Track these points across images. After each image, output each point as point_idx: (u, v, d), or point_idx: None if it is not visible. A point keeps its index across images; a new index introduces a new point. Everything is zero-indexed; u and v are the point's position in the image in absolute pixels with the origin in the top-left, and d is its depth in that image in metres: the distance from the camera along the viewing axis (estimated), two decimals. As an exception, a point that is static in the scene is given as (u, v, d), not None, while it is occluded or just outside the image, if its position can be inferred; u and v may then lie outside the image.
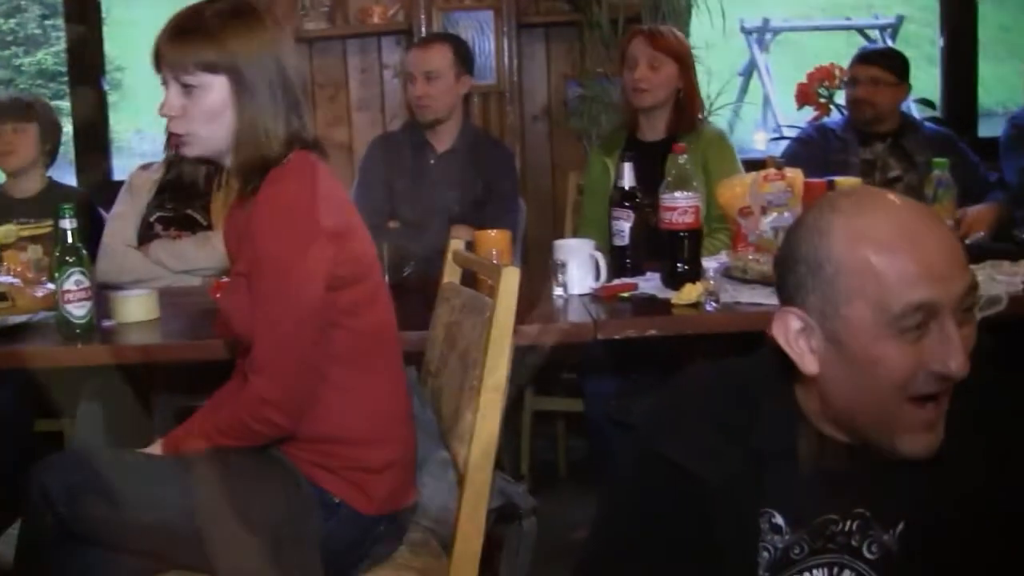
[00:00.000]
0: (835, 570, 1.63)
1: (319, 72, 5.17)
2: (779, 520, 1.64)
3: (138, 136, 8.15)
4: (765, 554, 1.65)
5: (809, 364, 1.56)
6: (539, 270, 3.66)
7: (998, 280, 3.06)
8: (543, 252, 3.63)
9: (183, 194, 4.07)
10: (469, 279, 2.85)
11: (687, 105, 4.01)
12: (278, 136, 2.34)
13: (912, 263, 1.46)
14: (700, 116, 4.09)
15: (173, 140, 2.40)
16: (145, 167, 4.29)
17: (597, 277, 3.20)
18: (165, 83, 2.37)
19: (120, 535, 2.30)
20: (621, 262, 3.34)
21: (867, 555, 1.62)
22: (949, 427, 1.54)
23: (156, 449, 2.47)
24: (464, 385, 2.41)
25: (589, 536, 1.87)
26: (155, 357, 3.00)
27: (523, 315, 2.85)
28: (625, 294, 3.13)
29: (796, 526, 1.64)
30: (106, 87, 5.40)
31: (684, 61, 4.01)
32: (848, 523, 1.62)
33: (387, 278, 3.00)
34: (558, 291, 3.22)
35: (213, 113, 2.33)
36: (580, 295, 3.20)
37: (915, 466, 1.56)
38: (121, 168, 5.27)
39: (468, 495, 2.33)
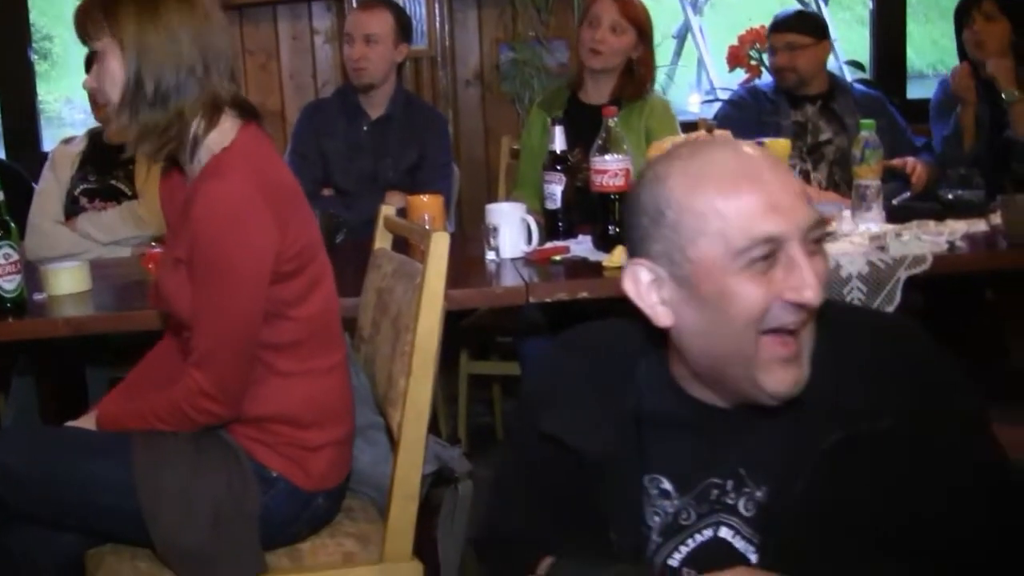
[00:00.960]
0: (713, 529, 1.62)
1: (249, 39, 5.13)
2: (667, 485, 1.65)
3: (69, 106, 8.04)
4: (656, 518, 1.65)
5: (662, 316, 1.55)
6: (473, 234, 3.67)
7: (923, 240, 3.10)
8: (477, 216, 3.64)
9: (106, 165, 4.04)
10: (404, 245, 2.85)
11: (640, 74, 4.03)
12: (177, 103, 2.26)
13: (753, 197, 1.46)
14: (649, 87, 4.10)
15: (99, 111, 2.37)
16: (67, 141, 4.26)
17: (529, 241, 3.21)
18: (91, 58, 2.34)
19: (59, 513, 2.29)
20: (553, 225, 3.35)
21: (743, 512, 1.61)
22: (818, 381, 1.54)
23: (90, 422, 2.46)
24: (396, 350, 2.42)
25: (487, 505, 1.90)
26: (87, 329, 2.97)
27: (455, 279, 2.86)
28: (557, 257, 3.14)
29: (683, 491, 1.64)
30: (33, 57, 5.32)
31: (645, 32, 4.03)
32: (728, 483, 1.61)
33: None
34: (490, 255, 3.23)
35: (112, 76, 2.27)
36: (512, 259, 3.21)
37: (786, 422, 1.55)
38: (52, 138, 5.20)
39: (402, 460, 2.34)
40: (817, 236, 1.50)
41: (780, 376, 1.51)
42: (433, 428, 2.40)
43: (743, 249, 1.45)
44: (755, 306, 1.47)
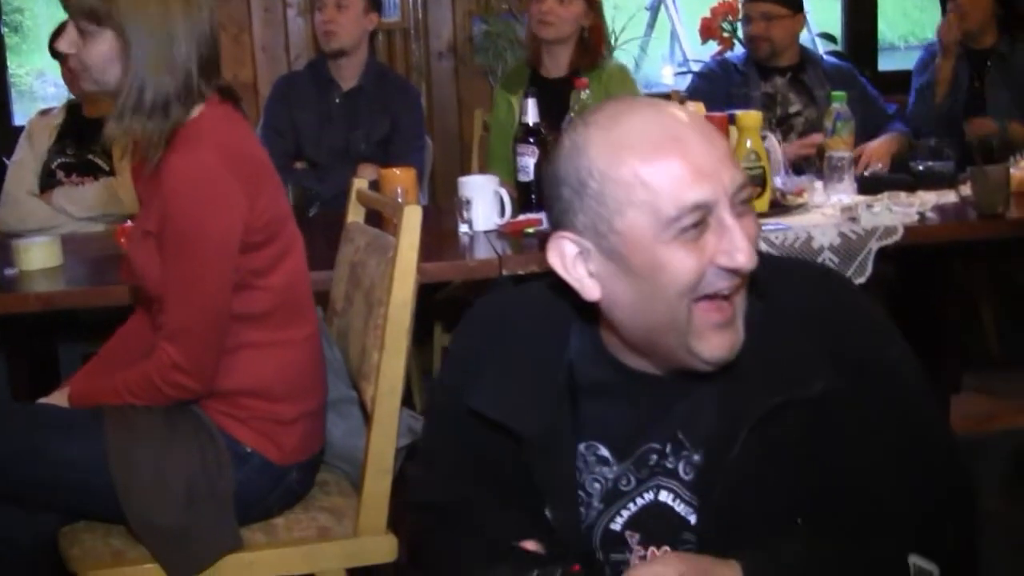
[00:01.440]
0: (654, 492, 1.61)
1: (222, 12, 5.08)
2: (604, 452, 1.64)
3: (40, 80, 7.98)
4: (597, 485, 1.64)
5: (590, 290, 1.51)
6: (446, 207, 3.67)
7: (895, 211, 3.12)
8: (450, 189, 3.64)
9: (84, 139, 4.01)
10: (377, 218, 2.85)
11: (592, 43, 4.03)
12: (174, 103, 2.26)
13: (678, 164, 1.41)
14: (603, 54, 4.11)
15: (68, 75, 2.35)
16: (44, 113, 4.22)
17: (502, 213, 3.21)
18: (65, 22, 2.33)
19: (31, 491, 2.29)
20: (526, 198, 3.36)
21: (682, 476, 1.60)
22: (752, 342, 1.52)
23: (62, 398, 2.45)
24: (369, 324, 2.42)
25: (411, 474, 1.89)
26: (58, 304, 2.96)
27: (428, 253, 2.86)
28: (530, 229, 3.15)
29: (621, 457, 1.62)
30: (3, 29, 5.28)
31: (593, 1, 4.03)
32: (667, 447, 1.60)
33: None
34: (463, 228, 3.23)
35: (102, 63, 2.26)
36: (486, 231, 3.21)
37: (721, 385, 1.54)
38: (23, 112, 5.17)
39: (376, 434, 2.34)
40: (745, 197, 1.46)
41: (716, 342, 1.49)
42: (407, 401, 2.40)
43: (673, 219, 1.41)
44: (689, 275, 1.44)
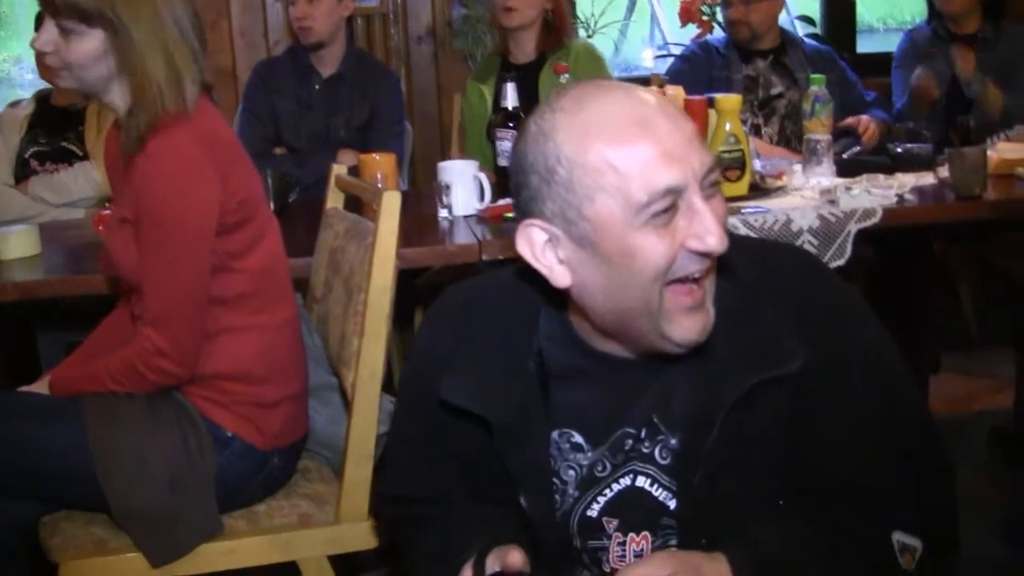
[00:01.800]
0: (631, 477, 1.61)
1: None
2: (578, 438, 1.63)
3: (18, 66, 7.94)
4: (571, 472, 1.64)
5: (560, 277, 1.50)
6: (426, 192, 3.67)
7: (873, 193, 3.13)
8: (430, 174, 3.64)
9: (56, 127, 4.01)
10: (357, 204, 2.85)
11: (556, 24, 4.03)
12: (167, 89, 2.25)
13: (648, 148, 1.40)
14: (569, 34, 4.10)
15: (45, 72, 2.34)
16: (13, 105, 4.23)
17: (481, 198, 3.21)
18: (42, 16, 2.32)
19: (12, 479, 2.28)
20: (506, 182, 3.35)
21: (659, 460, 1.60)
22: (725, 324, 1.53)
23: (43, 387, 2.45)
24: (349, 310, 2.41)
25: (384, 464, 1.88)
26: (37, 293, 2.94)
27: (408, 238, 2.86)
28: (510, 214, 3.14)
29: (596, 443, 1.62)
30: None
31: None
32: (642, 431, 1.60)
33: (272, 205, 2.98)
34: (443, 213, 3.23)
35: (88, 61, 2.25)
36: (465, 216, 3.21)
37: (695, 368, 1.55)
38: (0, 99, 5.14)
39: (357, 420, 2.34)
40: (714, 179, 1.46)
41: (687, 324, 1.49)
42: (388, 387, 2.40)
43: (644, 204, 1.41)
44: (661, 260, 1.43)
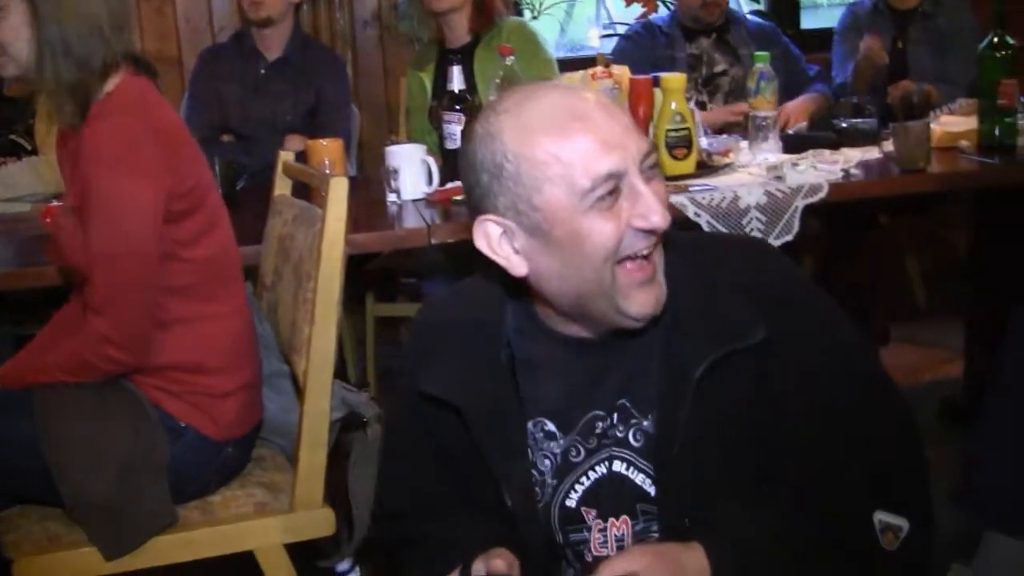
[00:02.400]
0: (607, 463, 1.66)
1: (144, -16, 5.04)
2: (551, 426, 1.69)
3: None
4: (547, 462, 1.69)
5: (517, 266, 1.59)
6: (375, 177, 3.67)
7: (819, 169, 3.15)
8: (378, 158, 3.63)
9: (4, 120, 3.96)
10: (305, 190, 2.84)
11: (486, 4, 4.00)
12: (88, 63, 2.25)
13: (587, 138, 1.49)
14: (499, 13, 4.08)
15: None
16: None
17: (429, 182, 3.21)
18: None
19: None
20: (453, 165, 3.35)
21: (633, 443, 1.65)
22: (688, 304, 1.61)
23: (-9, 381, 2.44)
24: (299, 297, 2.41)
25: (377, 480, 1.95)
26: (-17, 286, 2.92)
27: (357, 223, 2.86)
28: (458, 197, 3.14)
29: (567, 429, 1.68)
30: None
31: None
32: (613, 416, 1.66)
33: (220, 192, 2.96)
34: (391, 197, 3.23)
35: (15, 35, 2.25)
36: (414, 200, 3.21)
37: (660, 348, 1.62)
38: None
39: (309, 407, 2.34)
40: (652, 163, 1.55)
41: (642, 299, 1.57)
42: (341, 373, 2.40)
43: (588, 189, 1.49)
44: (609, 240, 1.51)
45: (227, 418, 2.38)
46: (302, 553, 2.50)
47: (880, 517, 1.60)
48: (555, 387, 1.68)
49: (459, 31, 4.02)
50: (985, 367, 2.93)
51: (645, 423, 1.64)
